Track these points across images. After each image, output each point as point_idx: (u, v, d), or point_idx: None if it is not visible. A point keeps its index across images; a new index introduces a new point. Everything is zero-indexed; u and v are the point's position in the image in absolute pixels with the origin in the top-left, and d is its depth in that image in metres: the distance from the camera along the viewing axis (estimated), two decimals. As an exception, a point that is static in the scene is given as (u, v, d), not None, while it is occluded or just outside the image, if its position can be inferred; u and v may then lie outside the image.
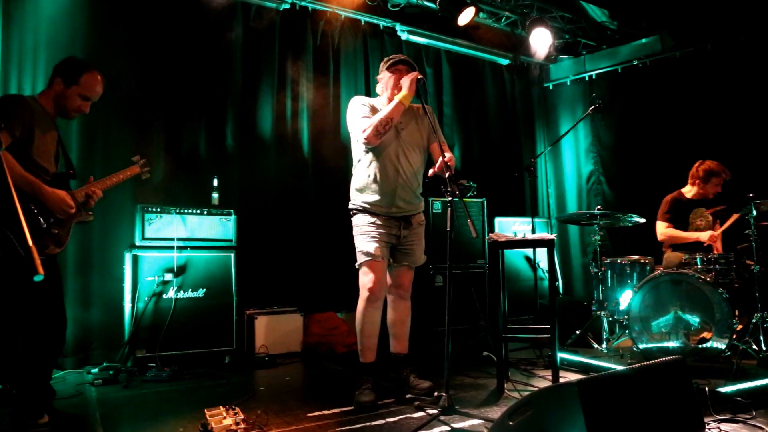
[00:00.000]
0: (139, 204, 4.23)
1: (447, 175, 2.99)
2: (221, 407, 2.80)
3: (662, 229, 4.53)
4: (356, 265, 3.30)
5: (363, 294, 3.24)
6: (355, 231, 3.34)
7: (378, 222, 3.27)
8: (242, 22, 5.17)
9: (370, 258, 3.21)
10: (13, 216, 2.41)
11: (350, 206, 3.41)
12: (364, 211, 3.32)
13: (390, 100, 3.33)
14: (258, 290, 4.84)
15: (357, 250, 3.30)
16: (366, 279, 3.23)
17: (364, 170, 3.36)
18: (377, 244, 3.22)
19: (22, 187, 2.44)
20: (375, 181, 3.30)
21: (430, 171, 3.17)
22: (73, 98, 2.73)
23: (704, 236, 4.33)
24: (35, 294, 2.54)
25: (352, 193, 3.41)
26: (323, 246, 5.10)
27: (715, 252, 4.30)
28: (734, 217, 4.23)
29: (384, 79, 3.39)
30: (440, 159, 3.05)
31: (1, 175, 1.61)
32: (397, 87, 3.29)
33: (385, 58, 3.42)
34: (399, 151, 3.32)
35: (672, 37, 6.12)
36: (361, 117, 3.30)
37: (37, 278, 1.51)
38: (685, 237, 4.44)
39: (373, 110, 3.32)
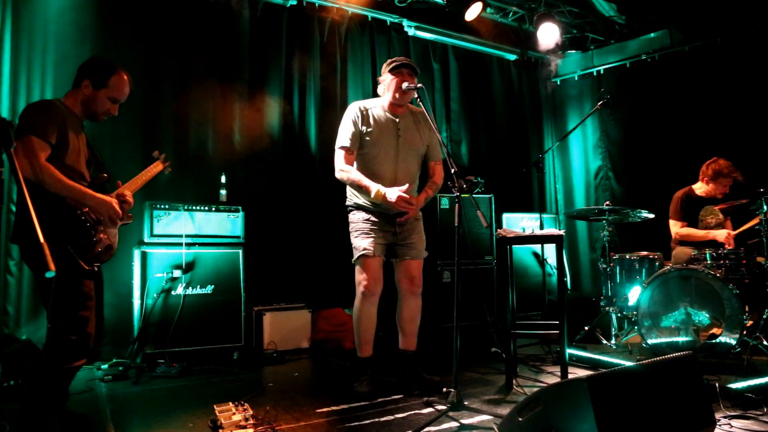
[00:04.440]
0: (147, 201, 4.25)
1: (453, 171, 3.00)
2: (230, 403, 2.83)
3: (677, 229, 4.51)
4: (352, 261, 3.36)
5: (359, 290, 3.32)
6: (351, 228, 3.41)
7: (373, 219, 3.33)
8: (249, 19, 5.17)
9: (364, 254, 3.27)
10: (68, 225, 2.43)
11: (347, 204, 3.47)
12: (359, 208, 3.39)
13: (391, 101, 3.39)
14: (266, 287, 4.85)
15: (353, 247, 3.36)
16: (361, 276, 3.30)
17: (361, 170, 3.40)
18: (372, 241, 3.29)
19: (69, 195, 2.41)
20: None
21: None
22: (102, 101, 2.66)
23: (721, 236, 4.28)
24: (87, 299, 2.52)
25: (348, 191, 3.47)
26: (330, 242, 5.10)
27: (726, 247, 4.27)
28: (755, 220, 4.13)
29: (386, 81, 3.41)
30: None
31: (14, 173, 1.60)
32: (397, 90, 3.31)
33: (388, 60, 3.45)
34: (397, 154, 3.37)
35: (681, 32, 6.06)
36: (345, 136, 3.37)
37: (49, 275, 1.51)
38: (700, 236, 4.40)
39: (365, 121, 3.35)
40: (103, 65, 2.68)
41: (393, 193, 3.16)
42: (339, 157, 3.38)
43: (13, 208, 3.96)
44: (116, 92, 2.69)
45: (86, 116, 2.70)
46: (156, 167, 3.19)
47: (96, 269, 2.60)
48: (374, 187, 3.21)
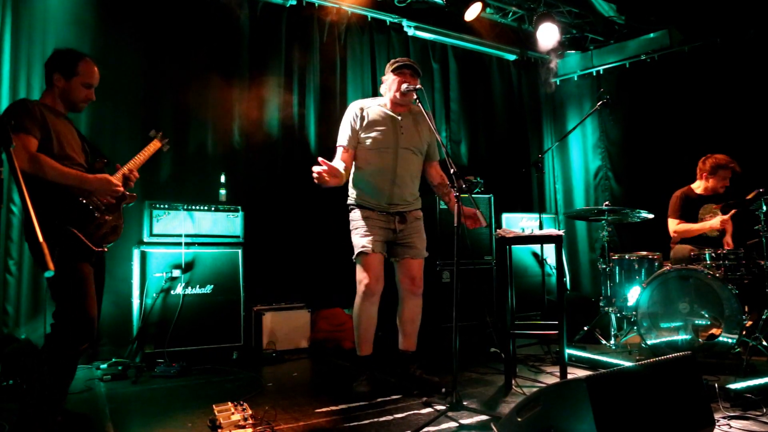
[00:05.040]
0: (147, 200, 4.25)
1: (452, 171, 3.01)
2: (229, 403, 2.83)
3: (674, 226, 4.52)
4: (353, 259, 3.37)
5: (360, 289, 3.31)
6: (352, 226, 3.42)
7: (373, 217, 3.35)
8: (249, 19, 5.17)
9: (365, 252, 3.27)
10: (72, 209, 2.48)
11: (348, 202, 3.50)
12: (359, 206, 3.40)
13: (392, 101, 3.40)
14: (265, 286, 4.85)
15: (353, 244, 3.37)
16: (362, 275, 3.29)
17: (361, 169, 3.43)
18: (372, 239, 3.29)
19: (66, 182, 2.48)
20: (371, 180, 3.38)
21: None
22: (78, 89, 2.70)
23: (715, 222, 4.29)
24: (87, 282, 2.55)
25: (350, 189, 3.49)
26: (330, 242, 5.10)
27: (727, 240, 4.28)
28: (749, 196, 4.18)
29: (388, 81, 3.42)
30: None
31: (14, 173, 1.61)
32: (398, 90, 3.32)
33: (391, 60, 3.45)
34: (398, 153, 3.37)
35: (680, 32, 6.06)
36: (342, 136, 3.41)
37: (48, 274, 1.51)
38: (697, 229, 4.41)
39: (364, 120, 3.36)
40: (67, 55, 2.71)
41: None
42: (336, 154, 3.43)
43: (13, 208, 3.96)
44: (88, 77, 2.72)
45: (68, 108, 2.74)
46: (154, 145, 3.12)
47: (100, 253, 2.66)
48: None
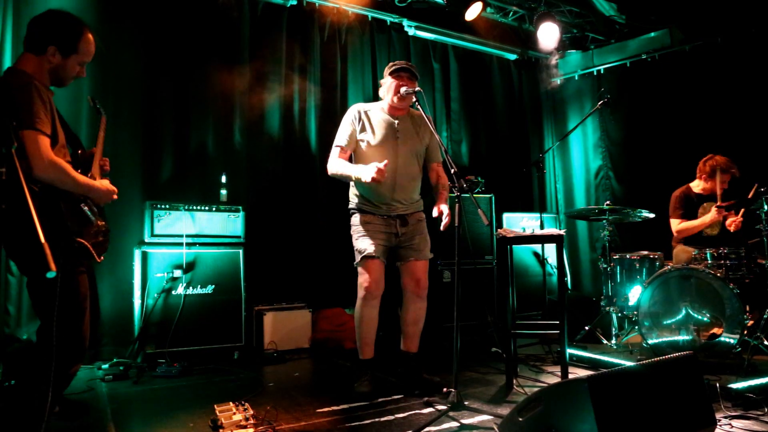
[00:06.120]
0: (147, 201, 4.26)
1: (453, 171, 3.01)
2: (231, 403, 2.84)
3: (676, 226, 4.53)
4: (354, 264, 3.36)
5: (360, 292, 3.31)
6: (353, 230, 3.42)
7: (375, 221, 3.35)
8: (249, 19, 5.18)
9: (366, 256, 3.27)
10: (78, 222, 2.32)
11: (349, 207, 3.50)
12: (360, 211, 3.40)
13: (390, 104, 3.39)
14: (266, 286, 4.86)
15: (354, 249, 3.37)
16: (363, 278, 3.29)
17: None
18: (373, 243, 3.29)
19: (76, 191, 2.29)
20: (371, 185, 3.33)
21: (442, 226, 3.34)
22: (72, 67, 2.42)
23: (713, 214, 4.30)
24: (86, 297, 2.39)
25: (350, 193, 3.49)
26: (331, 242, 5.10)
27: (733, 227, 4.26)
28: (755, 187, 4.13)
29: (386, 84, 3.42)
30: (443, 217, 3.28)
31: (15, 175, 1.59)
32: (396, 94, 3.33)
33: (389, 63, 3.45)
34: (396, 156, 3.37)
35: (681, 31, 6.05)
36: (341, 136, 3.43)
37: (50, 275, 1.51)
38: (698, 225, 4.42)
39: (363, 124, 3.38)
40: (69, 28, 2.40)
41: (367, 175, 3.08)
42: (333, 154, 3.45)
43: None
44: (86, 56, 2.46)
45: (53, 83, 2.44)
46: (103, 122, 2.85)
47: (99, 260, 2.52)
48: (354, 173, 3.23)
